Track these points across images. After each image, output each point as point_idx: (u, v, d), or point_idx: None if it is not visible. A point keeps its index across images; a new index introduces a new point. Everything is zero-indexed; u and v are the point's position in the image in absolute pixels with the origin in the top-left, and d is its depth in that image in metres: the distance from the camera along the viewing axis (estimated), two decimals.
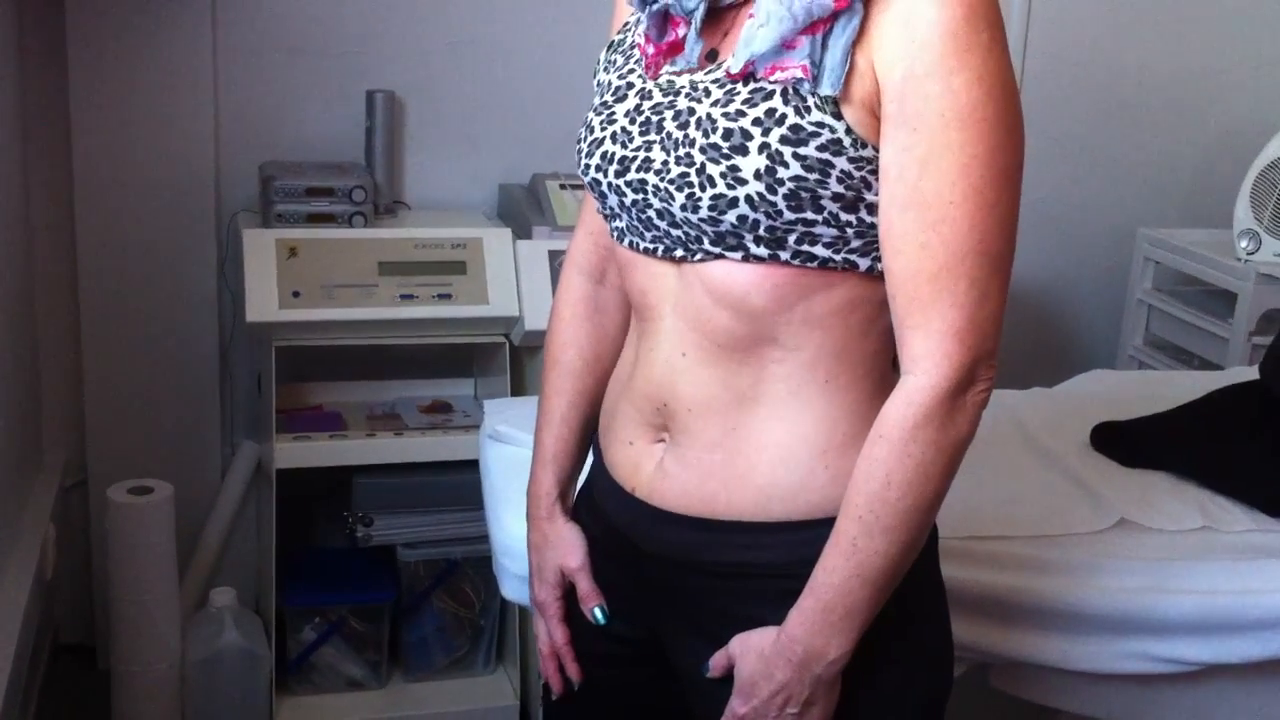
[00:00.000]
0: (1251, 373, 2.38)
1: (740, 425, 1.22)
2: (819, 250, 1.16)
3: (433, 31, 2.82)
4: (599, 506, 1.37)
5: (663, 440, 1.28)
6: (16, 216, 2.49)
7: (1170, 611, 1.78)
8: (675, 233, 1.20)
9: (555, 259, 2.61)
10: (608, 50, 1.32)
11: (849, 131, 1.12)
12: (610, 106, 1.25)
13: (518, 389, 2.69)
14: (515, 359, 2.69)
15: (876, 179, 1.14)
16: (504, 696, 2.77)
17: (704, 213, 1.16)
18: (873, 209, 1.15)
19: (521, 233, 2.68)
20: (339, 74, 2.79)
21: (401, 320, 2.58)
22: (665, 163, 1.18)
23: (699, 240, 1.19)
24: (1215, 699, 1.88)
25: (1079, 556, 1.83)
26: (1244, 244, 2.98)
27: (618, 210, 1.26)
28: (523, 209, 2.73)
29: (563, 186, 2.74)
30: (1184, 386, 2.35)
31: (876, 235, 1.16)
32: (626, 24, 1.31)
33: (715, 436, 1.23)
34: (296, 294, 2.51)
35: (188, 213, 2.73)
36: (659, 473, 1.27)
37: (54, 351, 2.75)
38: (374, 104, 2.74)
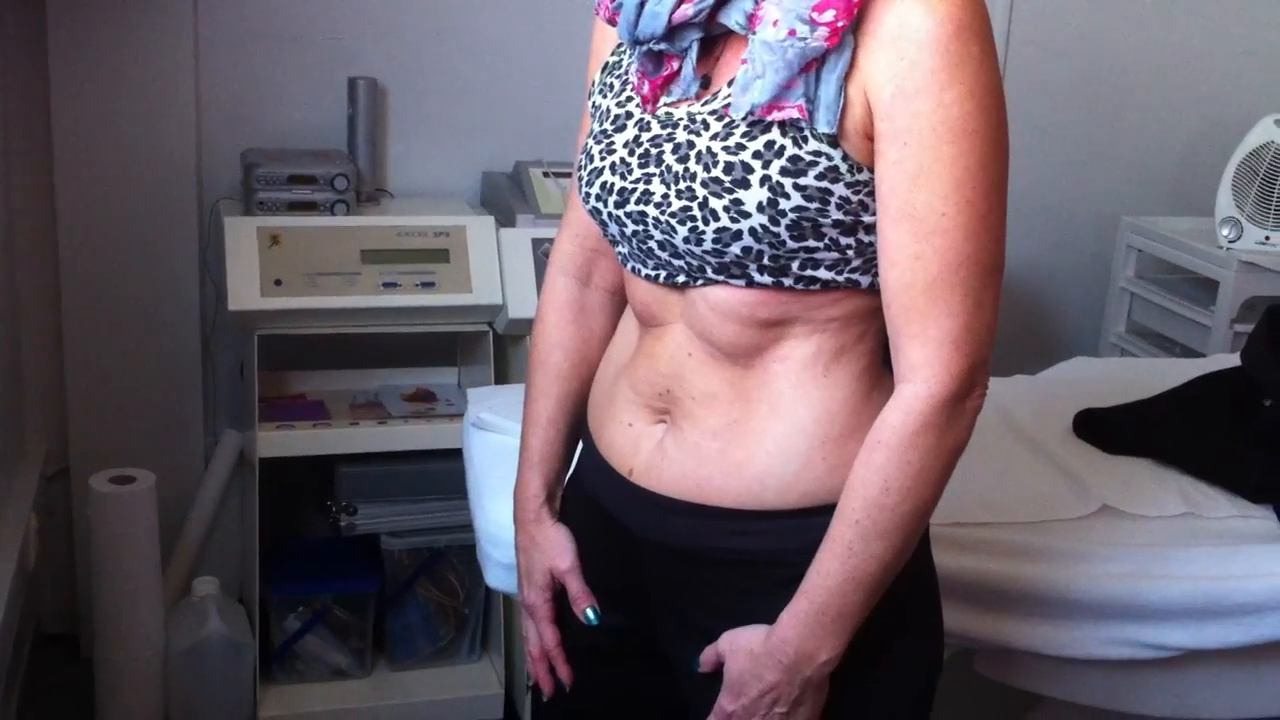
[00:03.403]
0: (1233, 360, 2.39)
1: (742, 419, 1.23)
2: (821, 273, 1.18)
3: (415, 18, 2.81)
4: (590, 496, 1.37)
5: (663, 421, 1.29)
6: None
7: (1153, 597, 1.79)
8: (677, 262, 1.22)
9: (539, 247, 2.61)
10: (603, 72, 1.31)
11: (845, 158, 1.14)
12: (609, 136, 1.25)
13: (501, 377, 2.69)
14: (499, 347, 2.69)
15: (873, 200, 1.15)
16: (489, 685, 2.77)
17: (708, 245, 1.17)
18: (870, 229, 1.17)
19: (505, 220, 2.68)
20: (321, 60, 2.78)
21: (384, 308, 2.57)
22: (665, 196, 1.19)
23: (701, 270, 1.20)
24: (1198, 684, 1.89)
25: (1062, 543, 1.84)
26: (1226, 232, 2.99)
27: (618, 239, 1.27)
28: (506, 197, 2.73)
29: (546, 174, 2.73)
30: (1166, 374, 2.36)
31: (875, 253, 1.17)
32: (621, 45, 1.30)
33: (717, 426, 1.24)
34: (279, 282, 2.50)
35: (169, 200, 2.71)
36: (658, 453, 1.28)
37: (36, 340, 2.74)
38: (356, 91, 2.73)
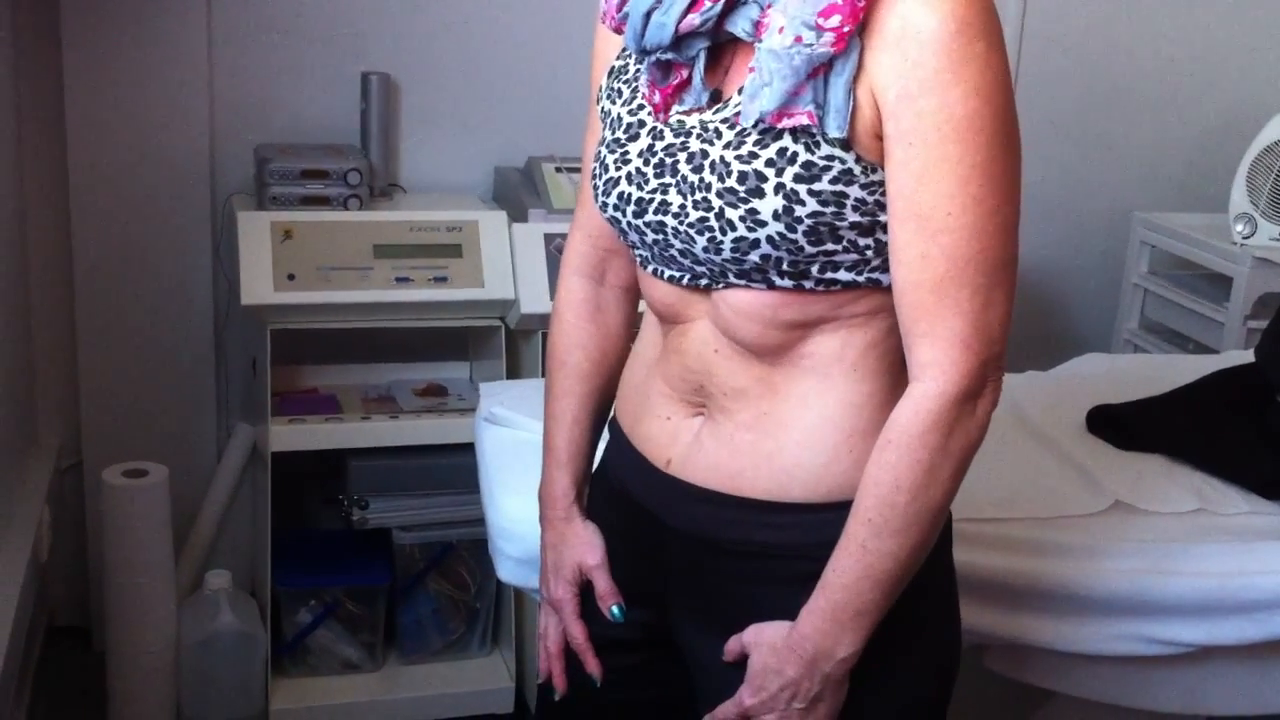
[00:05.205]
0: (1247, 356, 2.38)
1: (772, 410, 1.24)
2: (841, 275, 1.19)
3: (428, 13, 2.81)
4: (618, 489, 1.37)
5: (701, 414, 1.29)
6: (11, 198, 2.48)
7: (1165, 593, 1.78)
8: (699, 268, 1.22)
9: (551, 242, 2.61)
10: (609, 77, 1.31)
11: (858, 160, 1.14)
12: (623, 145, 1.25)
13: (513, 372, 2.69)
14: (510, 342, 2.68)
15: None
16: (499, 679, 2.78)
17: (726, 254, 1.18)
18: (887, 228, 1.16)
19: (517, 215, 2.68)
20: (334, 56, 2.78)
21: (397, 303, 2.57)
22: (683, 206, 1.19)
23: (723, 275, 1.21)
24: (1210, 680, 1.89)
25: (1074, 539, 1.83)
26: (1240, 228, 2.98)
27: (639, 245, 1.27)
28: (518, 192, 2.72)
29: (558, 169, 2.73)
30: (1179, 370, 2.36)
31: None
32: (625, 49, 1.29)
33: (748, 418, 1.25)
34: (291, 276, 2.51)
35: (182, 195, 2.72)
36: (695, 444, 1.28)
37: (49, 334, 2.75)
38: (369, 86, 2.73)
